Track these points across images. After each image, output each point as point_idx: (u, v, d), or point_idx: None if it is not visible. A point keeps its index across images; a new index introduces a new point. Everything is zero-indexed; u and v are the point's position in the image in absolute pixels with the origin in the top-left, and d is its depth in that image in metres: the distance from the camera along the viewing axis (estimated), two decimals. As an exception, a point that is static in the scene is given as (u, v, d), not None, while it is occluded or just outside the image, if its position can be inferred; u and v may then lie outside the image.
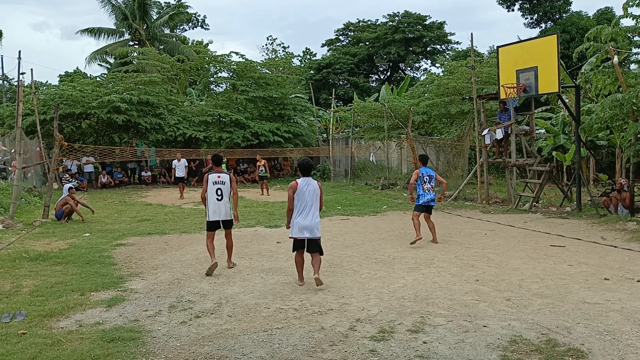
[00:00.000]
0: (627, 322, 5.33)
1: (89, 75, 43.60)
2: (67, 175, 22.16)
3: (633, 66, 21.22)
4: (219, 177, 7.94)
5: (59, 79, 45.61)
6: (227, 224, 8.06)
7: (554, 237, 10.36)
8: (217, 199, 7.87)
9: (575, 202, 14.07)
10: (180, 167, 19.30)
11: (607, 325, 5.25)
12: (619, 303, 5.95)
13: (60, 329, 5.34)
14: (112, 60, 40.95)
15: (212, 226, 8.00)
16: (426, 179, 9.77)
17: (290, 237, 7.04)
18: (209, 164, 24.96)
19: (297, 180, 7.00)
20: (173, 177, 19.77)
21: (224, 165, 24.02)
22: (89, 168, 24.12)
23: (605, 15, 32.76)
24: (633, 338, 4.90)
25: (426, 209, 9.86)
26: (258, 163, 20.67)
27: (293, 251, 7.12)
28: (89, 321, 5.57)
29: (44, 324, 5.46)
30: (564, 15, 37.41)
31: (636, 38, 13.38)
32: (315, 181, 7.01)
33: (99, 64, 43.09)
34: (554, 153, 20.68)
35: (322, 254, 7.01)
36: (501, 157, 15.63)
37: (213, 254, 7.82)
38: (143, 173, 25.79)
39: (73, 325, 5.44)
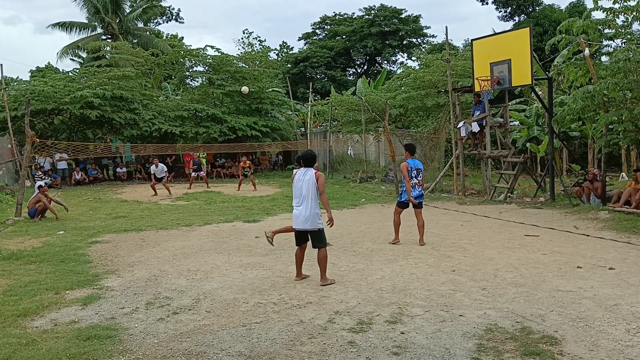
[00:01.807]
0: (599, 309, 5.46)
1: (61, 70, 42.78)
2: (40, 173, 21.70)
3: (604, 58, 21.65)
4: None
5: (30, 74, 44.62)
6: None
7: (528, 227, 10.55)
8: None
9: (548, 193, 14.33)
10: (158, 172, 18.93)
11: (580, 312, 5.37)
12: (592, 290, 6.10)
13: (35, 328, 5.26)
14: (84, 55, 40.13)
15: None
16: (414, 173, 9.02)
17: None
18: (186, 159, 24.73)
19: (296, 170, 6.86)
20: (153, 178, 19.14)
21: (204, 160, 23.88)
22: (62, 165, 23.65)
23: (577, 8, 33.32)
24: (605, 324, 5.02)
25: (414, 205, 9.15)
26: (242, 165, 20.24)
27: (296, 244, 6.93)
28: (64, 320, 5.49)
29: (18, 324, 5.37)
30: (537, 8, 37.96)
31: (607, 30, 13.61)
32: (314, 171, 6.71)
33: (71, 59, 42.24)
34: (527, 144, 21.02)
35: (323, 246, 6.72)
36: (476, 149, 15.82)
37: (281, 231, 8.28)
38: (118, 169, 25.39)
39: (48, 324, 5.35)
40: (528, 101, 24.42)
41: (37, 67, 46.16)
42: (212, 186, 20.92)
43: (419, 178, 9.11)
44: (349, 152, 28.46)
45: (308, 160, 6.80)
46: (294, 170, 6.88)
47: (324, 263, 6.72)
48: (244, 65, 29.11)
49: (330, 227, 6.88)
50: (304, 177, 6.69)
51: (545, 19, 33.09)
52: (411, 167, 9.04)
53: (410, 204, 9.16)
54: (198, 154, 21.98)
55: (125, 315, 5.62)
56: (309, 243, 6.85)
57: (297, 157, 7.16)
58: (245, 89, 24.76)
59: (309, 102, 32.06)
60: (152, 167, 19.09)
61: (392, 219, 9.42)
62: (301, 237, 6.84)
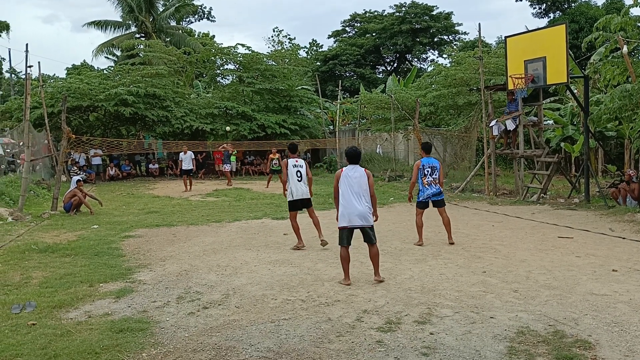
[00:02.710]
0: (635, 313, 5.31)
1: (96, 68, 43.79)
2: (75, 168, 22.27)
3: (643, 56, 21.01)
4: (296, 161, 8.80)
5: (66, 72, 45.78)
6: (308, 203, 8.91)
7: (561, 229, 10.32)
8: (298, 180, 8.72)
9: (583, 194, 14.00)
10: (186, 160, 19.22)
11: (615, 316, 5.23)
12: (627, 294, 5.93)
13: (70, 319, 5.40)
14: (118, 53, 41.01)
15: (295, 205, 8.84)
16: (427, 171, 8.82)
17: (339, 227, 6.72)
18: (216, 156, 25.03)
19: (342, 167, 6.79)
20: (179, 170, 19.62)
21: (233, 157, 24.17)
22: (96, 160, 24.23)
23: (615, 5, 32.38)
24: (641, 329, 4.88)
25: (435, 204, 9.02)
26: (272, 156, 20.35)
27: (339, 244, 6.71)
28: (98, 312, 5.62)
29: (54, 315, 5.52)
30: (573, 4, 37.04)
31: (646, 27, 13.22)
32: (363, 169, 6.70)
33: (105, 57, 43.22)
34: (562, 144, 20.55)
35: (375, 242, 6.71)
36: (509, 148, 15.54)
37: (300, 236, 8.80)
38: (150, 165, 25.88)
39: (82, 316, 5.49)
40: (563, 100, 23.86)
41: (73, 65, 47.36)
42: (241, 183, 21.11)
43: (434, 176, 8.88)
44: (377, 151, 28.33)
45: (354, 156, 6.77)
46: (343, 168, 6.85)
47: (378, 259, 6.75)
48: (273, 63, 29.27)
49: (375, 221, 6.83)
50: (354, 174, 6.63)
51: (582, 16, 32.26)
52: (423, 165, 8.90)
53: (431, 203, 9.05)
54: (232, 151, 22.16)
55: (156, 309, 5.72)
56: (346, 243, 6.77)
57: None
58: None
59: (338, 100, 32.00)
60: (181, 154, 19.33)
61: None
62: (351, 235, 6.73)
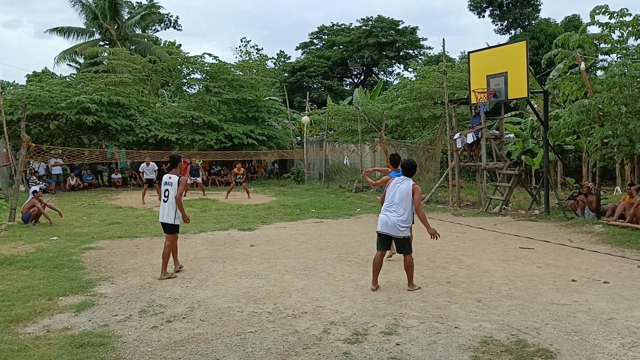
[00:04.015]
0: (594, 322, 5.47)
1: (58, 75, 42.76)
2: (34, 178, 21.61)
3: (599, 72, 21.83)
4: (170, 178, 7.81)
5: (26, 79, 44.55)
6: (168, 228, 7.80)
7: (523, 240, 10.56)
8: (164, 200, 7.80)
9: (543, 205, 14.37)
10: (149, 171, 18.92)
11: (575, 325, 5.37)
12: (586, 304, 6.10)
13: (28, 334, 5.21)
14: (81, 61, 40.15)
15: (163, 228, 7.98)
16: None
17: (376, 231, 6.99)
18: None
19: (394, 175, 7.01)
20: (142, 180, 19.40)
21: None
22: (57, 170, 23.54)
23: (573, 23, 33.63)
24: (600, 338, 5.02)
25: None
26: (236, 171, 20.24)
27: (377, 248, 6.98)
28: (57, 326, 5.44)
29: (11, 330, 5.32)
30: (533, 22, 38.28)
31: (602, 45, 13.71)
32: (412, 183, 6.76)
33: (68, 64, 42.21)
34: (522, 157, 21.12)
35: (408, 252, 6.81)
36: (472, 160, 15.86)
37: (175, 258, 8.06)
38: (113, 175, 25.32)
39: (41, 331, 5.31)
40: (523, 114, 24.56)
41: (34, 72, 46.12)
42: (207, 194, 20.87)
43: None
44: (345, 162, 28.48)
45: (408, 168, 6.88)
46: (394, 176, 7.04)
47: (411, 270, 6.86)
48: (241, 73, 29.19)
49: (436, 239, 6.95)
50: (400, 185, 6.80)
51: (541, 33, 33.35)
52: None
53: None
54: (197, 161, 22.00)
55: (118, 323, 5.58)
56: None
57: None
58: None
59: (306, 111, 32.08)
60: (143, 165, 19.09)
61: None
62: (383, 241, 6.92)
